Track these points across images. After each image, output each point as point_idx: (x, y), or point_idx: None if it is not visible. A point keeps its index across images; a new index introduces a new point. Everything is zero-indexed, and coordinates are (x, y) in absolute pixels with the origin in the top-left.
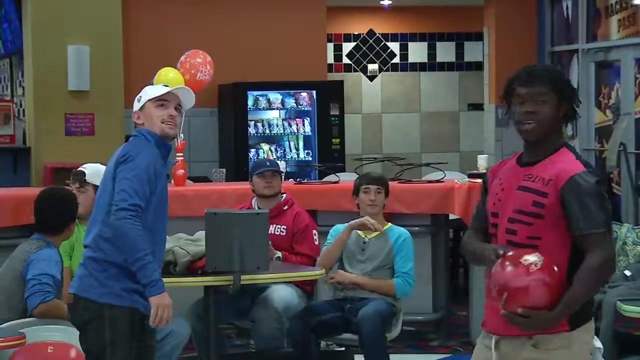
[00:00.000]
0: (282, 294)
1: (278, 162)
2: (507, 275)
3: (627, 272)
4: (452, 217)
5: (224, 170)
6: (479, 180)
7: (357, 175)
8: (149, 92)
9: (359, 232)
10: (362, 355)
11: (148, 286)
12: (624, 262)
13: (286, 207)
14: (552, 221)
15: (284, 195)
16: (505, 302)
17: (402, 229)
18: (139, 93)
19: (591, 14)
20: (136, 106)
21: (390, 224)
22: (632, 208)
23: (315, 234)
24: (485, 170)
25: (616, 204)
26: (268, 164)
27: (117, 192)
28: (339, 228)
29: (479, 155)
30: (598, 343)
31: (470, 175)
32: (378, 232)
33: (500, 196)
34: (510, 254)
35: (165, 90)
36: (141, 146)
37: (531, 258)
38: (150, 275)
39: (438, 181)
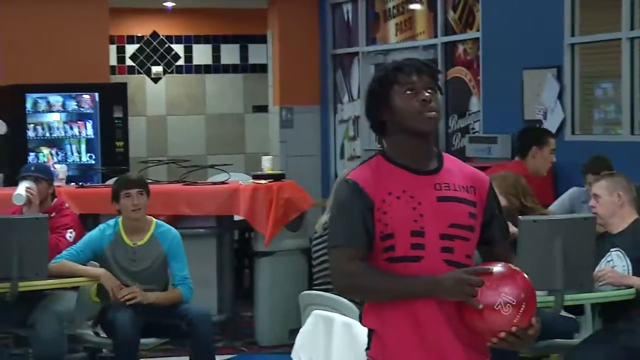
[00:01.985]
0: (63, 298)
1: (58, 166)
2: (523, 287)
3: None
4: (237, 218)
5: (1, 175)
6: (264, 182)
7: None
8: None
9: (125, 238)
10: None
11: None
12: None
13: (54, 214)
14: (477, 234)
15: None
16: (521, 316)
17: (168, 227)
18: None
19: (370, 18)
20: None
21: (154, 220)
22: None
23: (69, 232)
24: (272, 171)
25: None
26: (33, 168)
27: None
28: (94, 235)
29: (263, 157)
30: None
31: (255, 177)
32: (147, 236)
33: (421, 211)
34: (494, 270)
35: None
36: None
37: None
38: None
39: (223, 183)
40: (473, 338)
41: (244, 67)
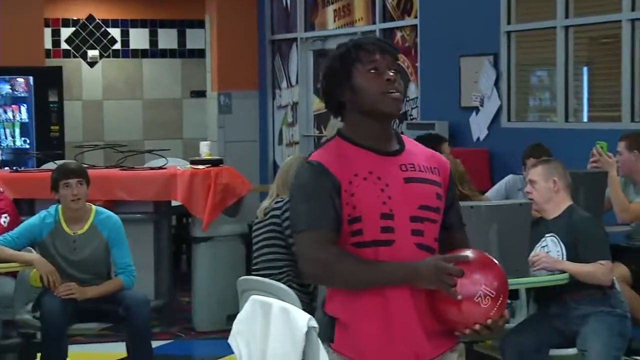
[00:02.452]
0: None
1: None
2: (501, 278)
3: None
4: (175, 203)
5: None
6: (202, 167)
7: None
8: None
9: (65, 228)
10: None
11: None
12: None
13: None
14: (441, 217)
15: None
16: (498, 308)
17: (109, 214)
18: None
19: (309, 3)
20: None
21: (95, 208)
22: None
23: (4, 217)
24: (210, 157)
25: None
26: None
27: None
28: (33, 223)
29: (201, 142)
30: (313, 322)
31: (193, 162)
32: (87, 225)
33: (390, 193)
34: (470, 257)
35: None
36: None
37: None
38: None
39: (160, 168)
40: (442, 327)
41: (181, 52)
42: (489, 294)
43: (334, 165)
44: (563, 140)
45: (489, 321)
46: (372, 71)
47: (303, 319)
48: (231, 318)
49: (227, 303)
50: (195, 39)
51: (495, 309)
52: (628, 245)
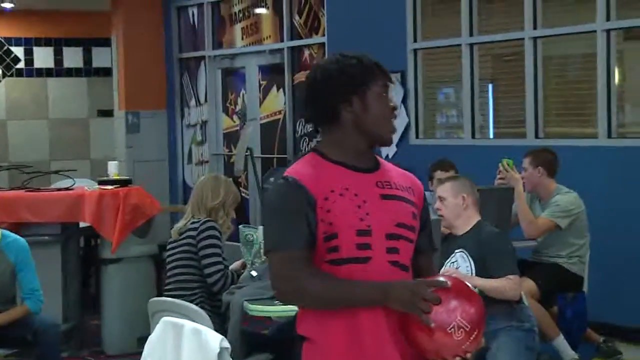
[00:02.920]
0: None
1: None
2: (478, 310)
3: (254, 273)
4: (83, 224)
5: None
6: (110, 187)
7: None
8: None
9: None
10: None
11: None
12: (259, 264)
13: None
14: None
15: None
16: (471, 342)
17: (15, 237)
18: None
19: (216, 21)
20: None
21: (1, 231)
22: (260, 210)
23: None
24: (118, 177)
25: (245, 208)
26: None
27: None
28: None
29: (109, 162)
30: (225, 343)
31: (101, 182)
32: None
33: (367, 209)
34: (449, 284)
35: None
36: None
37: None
38: None
39: (67, 189)
40: (413, 351)
41: (87, 70)
42: (464, 326)
43: (310, 180)
44: (470, 156)
45: (462, 354)
46: (384, 94)
47: (215, 340)
48: (142, 340)
49: (137, 325)
50: (101, 57)
51: (468, 342)
52: (535, 260)
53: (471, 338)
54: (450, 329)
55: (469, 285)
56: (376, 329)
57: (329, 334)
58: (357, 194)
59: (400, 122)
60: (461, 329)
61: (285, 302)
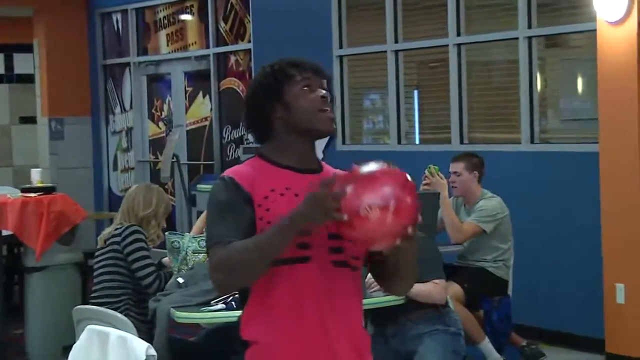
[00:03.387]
0: None
1: None
2: (390, 185)
3: (181, 280)
4: (5, 232)
5: None
6: (34, 195)
7: None
8: None
9: None
10: None
11: None
12: (186, 270)
13: None
14: None
15: None
16: (395, 214)
17: None
18: None
19: (141, 28)
20: None
21: None
22: (187, 217)
23: None
24: (42, 184)
25: (172, 215)
26: None
27: None
28: None
29: (32, 169)
30: (152, 350)
31: (24, 190)
32: None
33: None
34: (355, 175)
35: None
36: None
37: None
38: None
39: None
40: (358, 342)
41: (9, 77)
42: (374, 203)
43: (247, 179)
44: (396, 162)
45: (396, 231)
46: (305, 88)
47: (141, 348)
48: (67, 349)
49: (62, 334)
50: (23, 63)
51: (390, 216)
52: (460, 264)
53: (390, 210)
54: (363, 212)
55: (372, 168)
56: (324, 329)
57: (273, 334)
58: (297, 194)
59: None
60: (373, 208)
61: (224, 291)
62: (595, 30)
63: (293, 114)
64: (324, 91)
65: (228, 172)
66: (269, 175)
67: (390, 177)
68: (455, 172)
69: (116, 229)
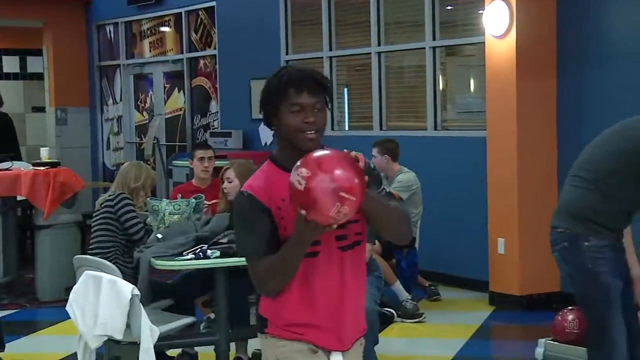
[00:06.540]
0: None
1: None
2: (306, 159)
3: (159, 235)
4: (20, 198)
5: None
6: (42, 168)
7: None
8: None
9: None
10: None
11: None
12: (163, 228)
13: None
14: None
15: None
16: (309, 178)
17: None
18: None
19: (129, 37)
20: None
21: None
22: (165, 186)
23: None
24: (49, 160)
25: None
26: None
27: None
28: None
29: (41, 148)
30: (136, 291)
31: (35, 164)
32: None
33: None
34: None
35: None
36: None
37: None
38: None
39: (7, 169)
40: (358, 319)
41: (23, 75)
42: (301, 175)
43: (263, 192)
44: (330, 145)
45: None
46: (294, 110)
47: (127, 289)
48: (69, 289)
49: (65, 277)
50: (35, 64)
51: (303, 181)
52: None
53: (303, 177)
54: (293, 185)
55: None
56: (328, 289)
57: (286, 302)
58: None
59: None
60: (298, 181)
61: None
62: (483, 42)
63: (281, 129)
64: (314, 111)
65: (246, 187)
66: (278, 184)
67: (305, 158)
68: (373, 155)
69: (109, 196)
